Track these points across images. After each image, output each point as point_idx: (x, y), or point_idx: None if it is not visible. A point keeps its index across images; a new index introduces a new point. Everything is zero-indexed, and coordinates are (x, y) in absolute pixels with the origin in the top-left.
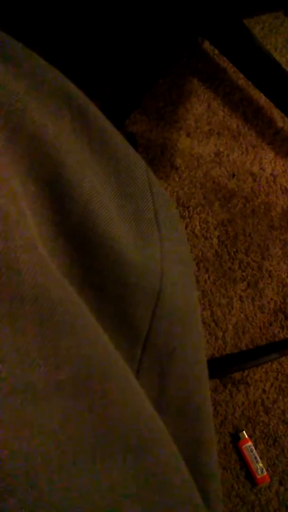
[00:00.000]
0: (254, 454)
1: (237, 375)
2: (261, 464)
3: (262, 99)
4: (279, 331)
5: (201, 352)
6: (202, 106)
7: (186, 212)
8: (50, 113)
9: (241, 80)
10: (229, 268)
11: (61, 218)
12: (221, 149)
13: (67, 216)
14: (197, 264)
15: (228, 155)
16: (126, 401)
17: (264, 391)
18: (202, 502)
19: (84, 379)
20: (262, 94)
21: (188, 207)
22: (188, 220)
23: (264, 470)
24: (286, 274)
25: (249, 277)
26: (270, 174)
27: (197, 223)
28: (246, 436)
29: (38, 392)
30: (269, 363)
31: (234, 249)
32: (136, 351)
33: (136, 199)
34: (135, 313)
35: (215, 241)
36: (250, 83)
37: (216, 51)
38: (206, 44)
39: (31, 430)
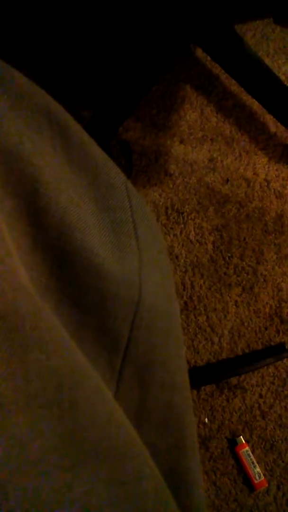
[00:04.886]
0: (251, 459)
1: (233, 380)
2: (258, 469)
3: (255, 105)
4: (275, 335)
5: (182, 360)
6: (195, 113)
7: (181, 218)
8: (29, 128)
9: (234, 86)
10: (224, 273)
11: (38, 232)
12: (214, 155)
13: (44, 230)
14: (192, 269)
15: (221, 161)
16: (96, 410)
17: (260, 395)
18: (178, 510)
19: (54, 390)
20: (254, 100)
21: (182, 213)
22: (182, 226)
23: (262, 475)
24: (281, 278)
25: (244, 282)
26: (264, 179)
27: (192, 229)
28: (243, 441)
29: (7, 405)
30: (265, 367)
31: (229, 254)
32: (116, 361)
33: (114, 211)
34: (114, 324)
35: (209, 246)
36: (242, 89)
37: (209, 58)
38: (199, 51)
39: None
